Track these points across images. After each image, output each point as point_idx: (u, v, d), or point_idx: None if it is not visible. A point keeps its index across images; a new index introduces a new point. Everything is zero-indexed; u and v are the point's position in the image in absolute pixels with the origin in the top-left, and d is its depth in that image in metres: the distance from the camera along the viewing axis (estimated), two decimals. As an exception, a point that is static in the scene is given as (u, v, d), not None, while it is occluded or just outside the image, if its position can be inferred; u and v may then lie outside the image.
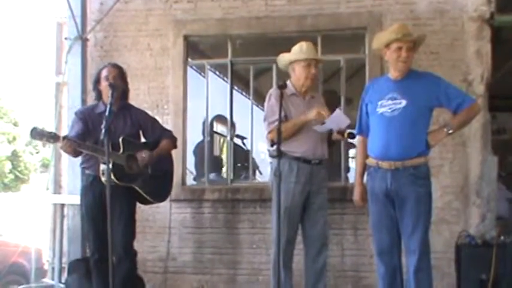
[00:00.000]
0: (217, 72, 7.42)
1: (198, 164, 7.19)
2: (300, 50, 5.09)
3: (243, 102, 7.32)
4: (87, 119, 4.96)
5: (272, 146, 4.72)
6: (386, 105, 4.36)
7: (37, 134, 4.52)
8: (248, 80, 6.81)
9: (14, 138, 29.87)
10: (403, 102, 4.30)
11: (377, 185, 4.38)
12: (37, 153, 30.62)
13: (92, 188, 4.92)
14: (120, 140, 4.82)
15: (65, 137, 4.62)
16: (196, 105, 6.80)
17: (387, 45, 4.42)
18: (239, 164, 7.38)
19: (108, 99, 4.53)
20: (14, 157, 29.44)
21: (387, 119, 4.33)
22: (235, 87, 6.92)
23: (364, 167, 4.57)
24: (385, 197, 4.35)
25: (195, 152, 7.31)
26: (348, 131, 4.87)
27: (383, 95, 4.40)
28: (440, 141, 4.42)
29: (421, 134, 4.31)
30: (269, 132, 4.89)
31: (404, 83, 4.37)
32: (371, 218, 4.53)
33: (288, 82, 5.06)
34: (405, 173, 4.27)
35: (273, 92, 5.03)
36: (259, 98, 6.79)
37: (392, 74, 4.46)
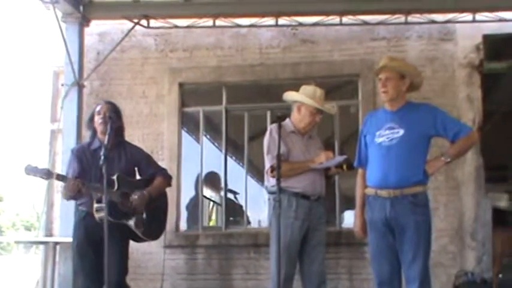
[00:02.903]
0: (208, 136, 7.44)
1: (191, 216, 7.15)
2: (313, 95, 5.04)
3: (236, 169, 7.38)
4: (83, 156, 4.98)
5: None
6: (384, 135, 4.40)
7: (31, 170, 4.54)
8: (241, 147, 6.95)
9: (-1, 214, 29.70)
10: (401, 132, 4.35)
11: (376, 214, 4.36)
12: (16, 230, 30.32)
13: (84, 222, 4.88)
14: (115, 177, 4.81)
15: (61, 176, 4.76)
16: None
17: None
18: (231, 218, 7.34)
19: (102, 135, 4.70)
20: (-3, 233, 29.18)
21: (385, 148, 4.36)
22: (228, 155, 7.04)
23: (364, 199, 4.56)
24: (384, 226, 4.32)
25: (187, 208, 7.28)
26: (346, 162, 4.89)
27: (381, 126, 4.44)
28: (438, 169, 4.44)
29: (419, 162, 4.33)
30: (272, 166, 4.83)
31: (401, 113, 4.43)
32: (370, 248, 4.48)
33: (287, 120, 5.09)
34: (404, 201, 4.26)
35: (273, 127, 4.97)
36: (252, 167, 6.87)
37: (387, 105, 4.54)
